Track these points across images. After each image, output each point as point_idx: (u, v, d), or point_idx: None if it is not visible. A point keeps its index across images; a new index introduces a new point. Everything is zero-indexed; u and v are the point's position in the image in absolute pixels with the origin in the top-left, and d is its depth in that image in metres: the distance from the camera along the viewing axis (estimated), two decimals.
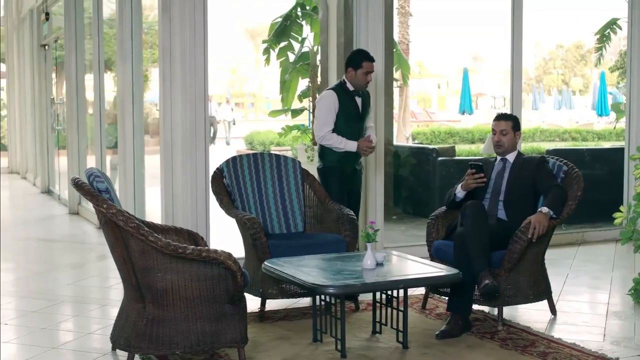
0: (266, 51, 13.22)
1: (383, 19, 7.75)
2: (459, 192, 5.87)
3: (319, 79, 11.72)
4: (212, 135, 23.93)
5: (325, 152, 6.60)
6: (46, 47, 14.74)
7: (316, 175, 6.60)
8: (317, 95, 12.28)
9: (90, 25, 10.98)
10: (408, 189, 11.01)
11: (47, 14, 13.52)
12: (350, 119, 6.54)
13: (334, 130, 6.48)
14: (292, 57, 13.03)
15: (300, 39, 12.90)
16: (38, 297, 6.58)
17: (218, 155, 7.47)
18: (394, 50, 12.58)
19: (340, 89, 6.58)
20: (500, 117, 5.96)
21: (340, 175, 6.55)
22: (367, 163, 7.57)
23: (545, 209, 5.50)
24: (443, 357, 4.98)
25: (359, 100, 6.60)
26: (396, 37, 18.19)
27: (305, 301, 6.11)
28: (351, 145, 6.48)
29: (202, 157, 6.88)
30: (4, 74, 19.79)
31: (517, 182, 5.74)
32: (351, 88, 6.56)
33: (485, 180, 5.77)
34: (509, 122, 5.89)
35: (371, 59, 6.55)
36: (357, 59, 6.54)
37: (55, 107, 14.30)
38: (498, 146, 5.87)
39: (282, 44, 12.97)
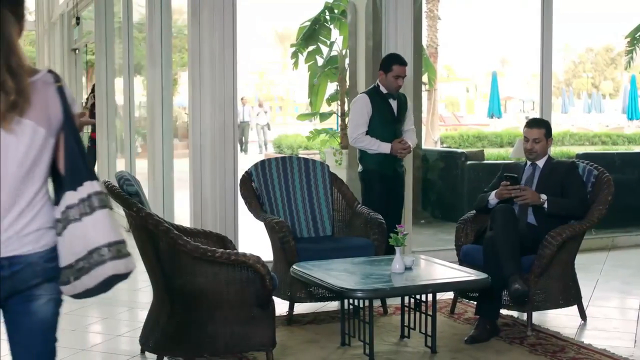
0: (294, 55, 13.22)
1: (412, 22, 7.73)
2: (492, 199, 5.82)
3: (347, 83, 11.71)
4: (241, 143, 23.50)
5: (364, 156, 6.63)
6: (76, 51, 14.86)
7: (344, 178, 6.60)
8: (345, 99, 12.28)
9: (120, 29, 11.06)
10: (436, 193, 10.98)
11: (77, 18, 13.63)
12: (386, 121, 6.56)
13: (370, 133, 6.50)
14: (320, 61, 13.02)
15: (328, 42, 12.90)
16: (67, 299, 6.61)
17: (252, 161, 7.49)
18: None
19: (374, 92, 6.61)
20: (533, 125, 5.89)
21: (380, 179, 6.56)
22: None
23: (544, 197, 5.57)
24: None
25: (393, 103, 6.62)
26: (425, 40, 18.15)
27: (334, 305, 6.11)
28: (384, 147, 6.50)
29: (231, 161, 6.90)
30: None
31: (547, 187, 5.70)
32: (384, 91, 6.58)
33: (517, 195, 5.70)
34: (541, 130, 5.83)
35: (402, 63, 6.56)
36: (388, 63, 6.58)
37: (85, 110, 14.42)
38: (530, 153, 5.83)
39: (311, 48, 12.97)
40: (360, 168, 6.71)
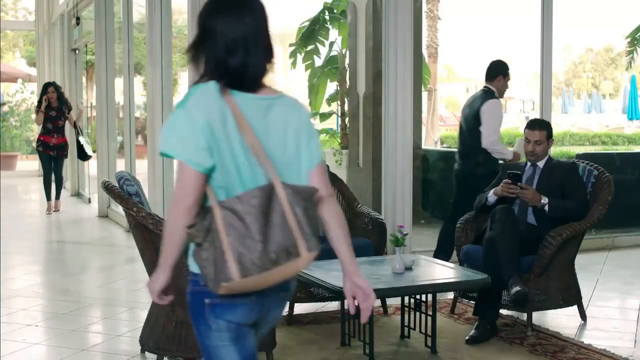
0: (293, 54, 13.23)
1: (412, 22, 7.73)
2: (491, 196, 5.83)
3: (347, 83, 11.71)
4: None
5: (489, 159, 6.94)
6: (76, 51, 14.87)
7: (345, 179, 6.62)
8: (345, 99, 12.28)
9: (120, 29, 11.06)
10: (436, 193, 10.97)
11: (77, 18, 13.64)
12: None
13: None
14: (318, 61, 13.03)
15: (326, 42, 12.90)
16: (67, 299, 6.62)
17: None
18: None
19: (493, 95, 7.03)
20: (535, 126, 5.85)
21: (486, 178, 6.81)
22: (395, 166, 7.56)
23: (546, 200, 5.56)
24: None
25: None
26: (425, 40, 18.14)
27: (334, 305, 6.10)
28: (508, 153, 6.91)
29: None
30: (35, 77, 19.99)
31: (547, 188, 5.70)
32: (496, 95, 6.99)
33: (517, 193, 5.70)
34: (543, 132, 5.81)
35: None
36: (506, 68, 7.04)
37: (86, 110, 14.42)
38: (531, 155, 5.82)
39: (309, 48, 12.98)
40: (482, 169, 6.93)
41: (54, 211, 12.01)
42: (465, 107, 7.34)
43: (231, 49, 2.46)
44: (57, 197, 12.15)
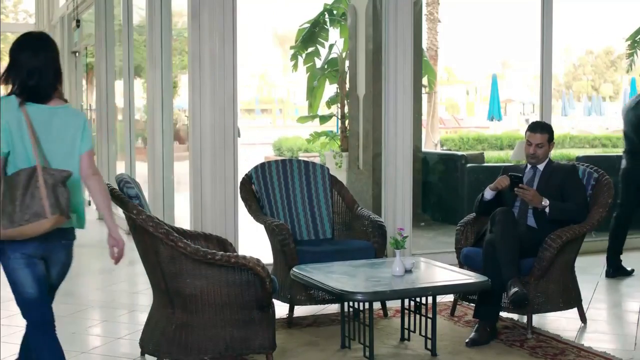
0: (294, 57, 13.24)
1: (412, 25, 7.73)
2: (487, 192, 5.83)
3: (347, 86, 11.71)
4: None
5: None
6: (77, 53, 14.87)
7: (344, 181, 6.63)
8: (345, 101, 12.27)
9: (120, 32, 11.06)
10: (436, 196, 10.97)
11: (77, 21, 13.63)
12: None
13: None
14: (318, 63, 13.03)
15: (326, 44, 12.91)
16: (67, 301, 6.62)
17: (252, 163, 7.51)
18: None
19: None
20: (537, 129, 5.83)
21: None
22: (395, 169, 7.57)
23: (547, 202, 5.55)
24: None
25: None
26: (425, 43, 18.15)
27: (334, 307, 6.11)
28: None
29: (231, 163, 6.90)
30: None
31: (547, 190, 5.70)
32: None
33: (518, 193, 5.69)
34: (544, 135, 5.80)
35: None
36: None
37: (85, 113, 14.42)
38: (532, 158, 5.81)
39: (309, 50, 12.99)
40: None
41: None
42: (629, 109, 7.59)
43: (30, 75, 3.68)
44: None
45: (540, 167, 5.84)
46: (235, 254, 4.73)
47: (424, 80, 14.66)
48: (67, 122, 3.73)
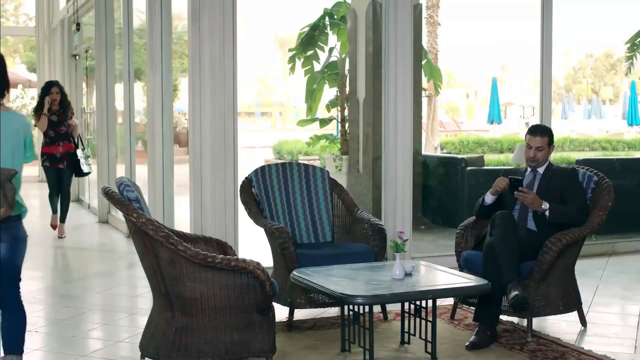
0: (291, 60, 13.24)
1: (412, 28, 7.74)
2: (488, 196, 5.83)
3: (347, 89, 11.71)
4: None
5: None
6: (77, 57, 14.88)
7: (344, 184, 6.63)
8: (345, 105, 12.26)
9: (120, 35, 11.07)
10: (436, 199, 10.97)
11: (78, 24, 13.64)
12: None
13: None
14: (317, 66, 13.03)
15: (326, 48, 12.90)
16: (67, 305, 6.62)
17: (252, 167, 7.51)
18: (425, 59, 12.55)
19: None
20: (536, 133, 5.82)
21: None
22: (395, 172, 7.57)
23: (547, 205, 5.54)
24: None
25: None
26: (425, 46, 18.14)
27: (334, 311, 6.10)
28: None
29: (231, 167, 6.90)
30: (35, 83, 20.01)
31: (547, 193, 5.70)
32: None
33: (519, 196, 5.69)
34: (544, 138, 5.79)
35: None
36: None
37: (86, 116, 14.42)
38: (532, 161, 5.81)
39: (308, 53, 12.98)
40: None
41: (59, 237, 10.40)
42: None
43: None
44: (63, 219, 10.51)
45: (540, 170, 5.84)
46: (235, 257, 4.73)
47: (430, 84, 14.61)
48: (14, 126, 4.24)
